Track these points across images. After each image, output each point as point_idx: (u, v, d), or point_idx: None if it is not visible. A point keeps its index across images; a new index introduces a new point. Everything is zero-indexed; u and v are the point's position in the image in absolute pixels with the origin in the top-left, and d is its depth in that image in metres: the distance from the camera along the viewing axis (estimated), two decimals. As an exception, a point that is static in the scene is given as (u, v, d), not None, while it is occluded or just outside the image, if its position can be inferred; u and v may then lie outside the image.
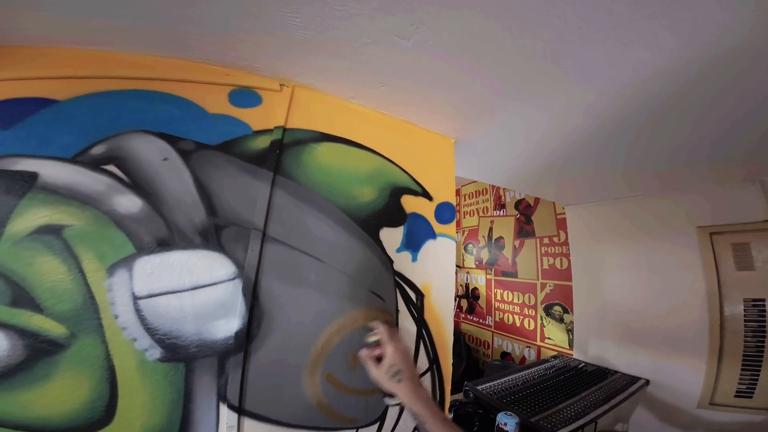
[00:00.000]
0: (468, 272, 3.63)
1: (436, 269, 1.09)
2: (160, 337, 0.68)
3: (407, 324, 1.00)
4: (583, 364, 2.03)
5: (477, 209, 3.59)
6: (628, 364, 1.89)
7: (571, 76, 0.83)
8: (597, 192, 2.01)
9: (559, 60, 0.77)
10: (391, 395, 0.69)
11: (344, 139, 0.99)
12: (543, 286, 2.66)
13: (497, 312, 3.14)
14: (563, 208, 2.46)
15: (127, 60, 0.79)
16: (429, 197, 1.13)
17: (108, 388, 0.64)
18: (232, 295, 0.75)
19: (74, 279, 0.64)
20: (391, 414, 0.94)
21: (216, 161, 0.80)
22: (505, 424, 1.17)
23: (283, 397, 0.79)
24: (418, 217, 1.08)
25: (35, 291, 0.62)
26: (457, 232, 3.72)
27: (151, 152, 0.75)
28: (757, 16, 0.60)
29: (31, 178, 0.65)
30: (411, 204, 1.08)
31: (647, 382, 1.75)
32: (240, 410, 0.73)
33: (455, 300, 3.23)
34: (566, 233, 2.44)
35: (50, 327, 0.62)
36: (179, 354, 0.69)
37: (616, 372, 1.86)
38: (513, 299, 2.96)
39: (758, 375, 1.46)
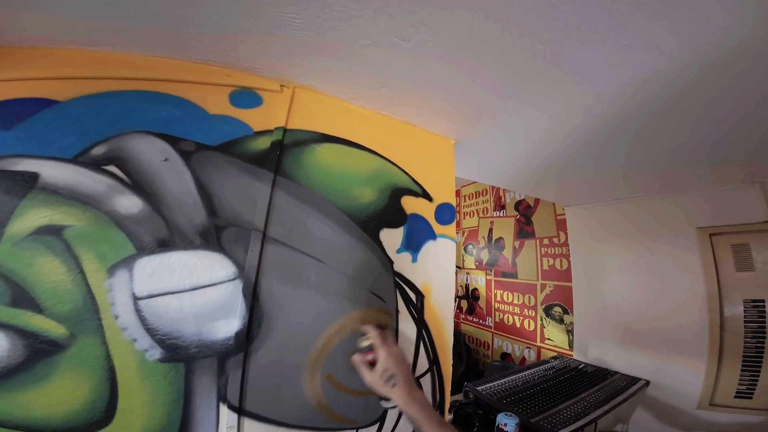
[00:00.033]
0: (468, 273, 3.63)
1: (436, 270, 1.09)
2: (161, 338, 0.68)
3: (407, 325, 1.00)
4: (583, 364, 2.03)
5: (477, 210, 3.59)
6: (628, 365, 1.89)
7: (571, 77, 0.83)
8: (597, 193, 2.02)
9: (559, 61, 0.77)
10: (387, 398, 0.69)
11: (344, 140, 0.99)
12: (543, 286, 2.66)
13: (497, 313, 3.14)
14: (563, 209, 2.46)
15: (128, 60, 0.79)
16: (429, 198, 1.13)
17: (108, 388, 0.64)
18: (233, 295, 0.75)
19: (74, 279, 0.64)
20: (391, 415, 0.94)
21: (216, 162, 0.80)
22: (505, 425, 1.17)
23: (283, 398, 0.79)
24: (418, 218, 1.09)
25: (35, 291, 0.62)
26: (457, 233, 3.72)
27: (151, 153, 0.75)
28: (757, 17, 0.61)
29: (32, 178, 0.65)
30: (411, 205, 1.08)
31: (647, 383, 1.75)
32: (240, 410, 0.73)
33: (455, 301, 3.23)
34: (566, 234, 2.44)
35: (50, 327, 0.62)
36: (179, 354, 0.69)
37: (616, 373, 1.86)
38: (513, 300, 2.96)
39: (758, 376, 1.46)
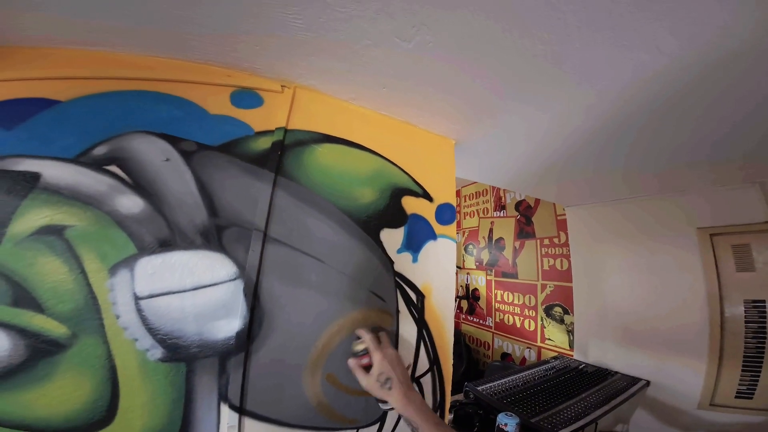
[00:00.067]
0: (468, 273, 3.63)
1: (436, 270, 1.09)
2: (162, 337, 0.68)
3: (408, 325, 1.00)
4: (584, 365, 2.03)
5: (477, 210, 3.59)
6: (628, 365, 1.89)
7: (571, 77, 0.83)
8: (597, 193, 2.02)
9: (560, 61, 0.77)
10: (385, 401, 0.69)
11: (345, 140, 0.99)
12: (543, 287, 2.66)
13: (497, 313, 3.14)
14: (564, 209, 2.46)
15: (129, 61, 0.79)
16: (429, 198, 1.13)
17: (109, 388, 0.64)
18: (233, 295, 0.75)
19: (76, 279, 0.64)
20: (392, 415, 0.94)
21: (217, 162, 0.80)
22: (506, 425, 1.17)
23: (283, 398, 0.79)
24: (418, 218, 1.09)
25: (37, 291, 0.62)
26: (457, 233, 3.73)
27: (152, 153, 0.75)
28: (758, 18, 0.61)
29: (34, 178, 0.65)
30: (411, 205, 1.08)
31: (648, 383, 1.75)
32: (241, 410, 0.73)
33: (455, 301, 3.23)
34: (567, 234, 2.45)
35: (52, 327, 0.62)
36: (180, 354, 0.69)
37: (616, 373, 1.86)
38: (513, 300, 2.96)
39: (758, 376, 1.46)
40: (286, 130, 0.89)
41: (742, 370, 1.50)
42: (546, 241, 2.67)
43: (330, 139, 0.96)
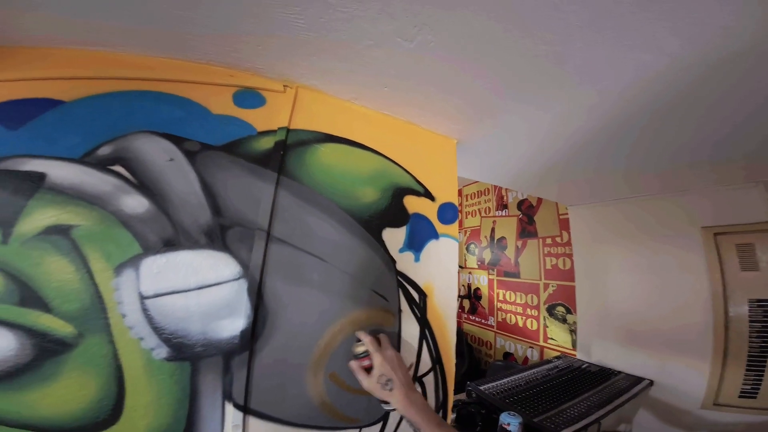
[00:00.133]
0: (470, 272, 3.63)
1: (438, 269, 1.10)
2: (167, 337, 0.68)
3: (410, 324, 1.01)
4: (587, 364, 2.03)
5: (479, 209, 3.59)
6: (631, 364, 1.88)
7: (573, 78, 0.83)
8: (597, 192, 2.01)
9: (562, 61, 0.77)
10: (387, 402, 0.69)
11: (347, 139, 0.99)
12: (546, 286, 2.66)
13: (499, 312, 3.13)
14: (566, 209, 2.46)
15: (130, 61, 0.80)
16: (431, 198, 1.13)
17: (115, 387, 0.64)
18: (237, 294, 0.76)
19: (82, 279, 0.65)
20: (394, 414, 0.94)
21: (221, 162, 0.81)
22: (508, 424, 1.17)
23: (287, 397, 0.79)
24: (420, 218, 1.09)
25: (43, 291, 0.62)
26: (459, 233, 3.73)
27: (156, 153, 0.75)
28: (759, 19, 0.61)
29: (39, 178, 0.65)
30: (413, 204, 1.08)
31: (651, 383, 1.74)
32: (245, 409, 0.74)
33: (457, 300, 3.22)
34: (569, 234, 2.44)
35: (58, 326, 0.62)
36: (185, 353, 0.70)
37: (619, 373, 1.86)
38: (515, 299, 2.96)
39: (762, 375, 1.45)
40: (288, 130, 0.89)
41: (746, 370, 1.49)
42: (548, 241, 2.67)
43: (332, 139, 0.97)
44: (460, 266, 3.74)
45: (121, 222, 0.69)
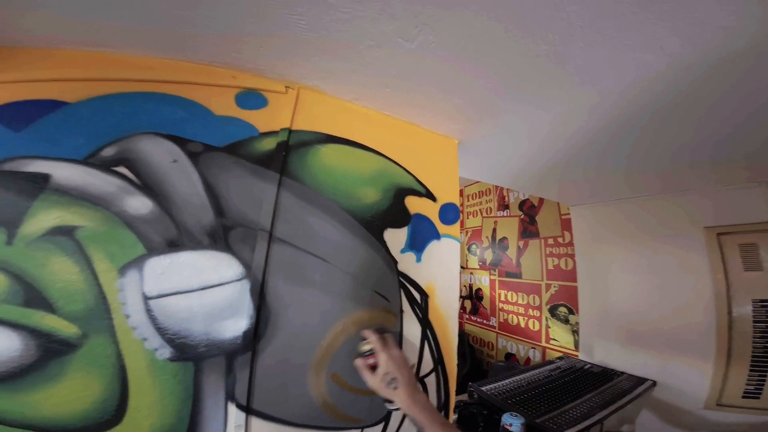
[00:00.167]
0: (472, 273, 3.63)
1: (440, 270, 1.10)
2: (170, 337, 0.69)
3: (412, 324, 1.01)
4: (589, 365, 2.02)
5: (480, 210, 3.59)
6: (634, 365, 1.88)
7: (574, 78, 0.83)
8: (597, 192, 2.01)
9: (563, 61, 0.77)
10: (391, 401, 0.70)
11: (348, 140, 1.00)
12: (548, 286, 2.65)
13: (501, 313, 3.13)
14: (568, 209, 2.46)
15: (133, 62, 0.80)
16: (433, 198, 1.13)
17: (118, 387, 0.65)
18: (240, 295, 0.76)
19: (86, 279, 0.65)
20: (396, 414, 0.94)
21: (223, 163, 0.81)
22: (511, 425, 1.17)
23: (289, 397, 0.80)
24: (422, 218, 1.09)
25: (48, 291, 0.63)
26: (460, 233, 3.72)
27: (160, 154, 0.76)
28: (760, 19, 0.60)
29: (44, 179, 0.66)
30: (415, 205, 1.08)
31: (654, 384, 1.74)
32: (248, 409, 0.74)
33: (459, 301, 3.22)
34: (571, 234, 2.43)
35: (62, 327, 0.63)
36: (188, 353, 0.70)
37: (622, 373, 1.85)
38: (517, 300, 2.95)
39: (766, 375, 1.45)
40: (290, 131, 0.89)
41: (750, 370, 1.49)
42: (550, 241, 2.67)
43: (334, 140, 0.97)
44: (462, 267, 3.74)
45: (125, 223, 0.70)
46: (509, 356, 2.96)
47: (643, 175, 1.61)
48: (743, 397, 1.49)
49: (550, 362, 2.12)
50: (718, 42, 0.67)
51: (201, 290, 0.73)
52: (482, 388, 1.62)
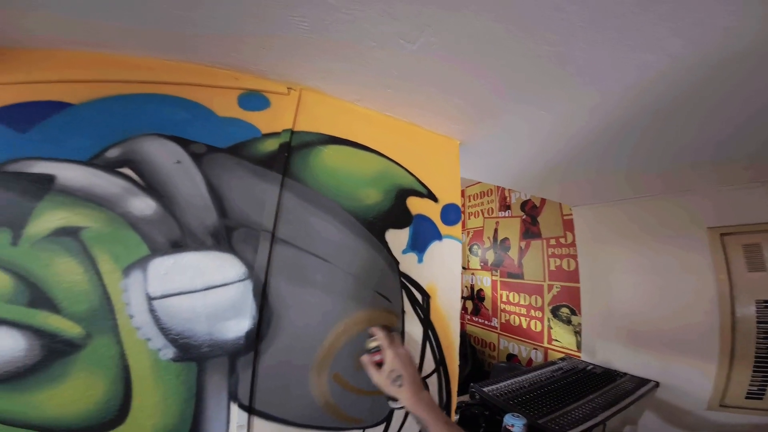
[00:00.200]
0: (473, 273, 3.62)
1: (441, 270, 1.10)
2: (173, 337, 0.69)
3: (413, 325, 1.01)
4: (592, 366, 2.02)
5: (482, 210, 3.58)
6: (637, 366, 1.87)
7: (575, 78, 0.83)
8: (599, 193, 2.01)
9: (565, 62, 0.77)
10: (395, 399, 0.70)
11: (350, 141, 1.00)
12: (550, 287, 2.64)
13: (503, 314, 3.12)
14: (570, 209, 2.45)
15: (134, 63, 0.80)
16: (434, 199, 1.13)
17: (122, 387, 0.65)
18: (243, 295, 0.76)
19: (90, 280, 0.66)
20: (398, 415, 0.94)
21: (226, 164, 0.81)
22: (513, 426, 1.16)
23: (291, 397, 0.80)
24: (423, 219, 1.09)
25: (52, 292, 0.63)
26: (462, 234, 3.71)
27: (164, 155, 0.76)
28: (761, 19, 0.60)
29: (49, 180, 0.67)
30: (417, 205, 1.08)
31: (657, 385, 1.73)
32: (250, 410, 0.74)
33: (461, 301, 3.21)
34: (573, 234, 2.43)
35: (67, 327, 0.63)
36: (191, 354, 0.71)
37: (625, 374, 1.84)
38: (519, 301, 2.94)
39: (770, 376, 1.44)
40: (292, 132, 0.90)
41: (753, 371, 1.48)
42: (552, 242, 2.66)
43: (335, 141, 0.97)
44: (463, 267, 3.74)
45: (130, 224, 0.70)
46: (511, 357, 2.95)
47: (645, 176, 1.60)
48: (746, 397, 1.48)
49: (552, 363, 2.11)
50: (720, 42, 0.67)
51: (204, 291, 0.73)
52: (484, 389, 1.61)
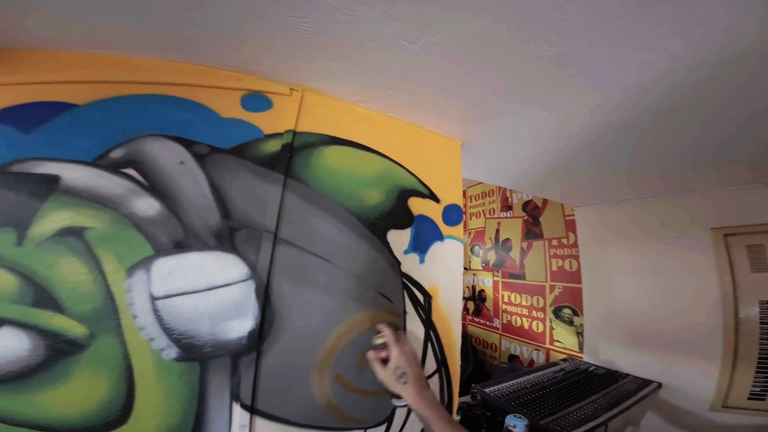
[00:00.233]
0: (475, 274, 3.62)
1: (443, 271, 1.10)
2: (177, 337, 0.69)
3: (415, 325, 1.01)
4: (594, 367, 2.01)
5: (483, 211, 3.58)
6: (639, 367, 1.87)
7: (576, 79, 0.84)
8: (600, 194, 2.01)
9: (566, 62, 0.77)
10: (398, 396, 0.70)
11: (352, 142, 1.00)
12: (552, 288, 2.64)
13: (504, 314, 3.12)
14: (572, 210, 2.45)
15: (136, 64, 0.81)
16: (436, 199, 1.13)
17: (125, 387, 0.65)
18: (245, 296, 0.77)
19: (95, 280, 0.66)
20: (399, 415, 0.94)
21: (229, 164, 0.82)
22: (514, 427, 1.16)
23: (293, 397, 0.80)
24: (425, 219, 1.09)
25: (57, 292, 0.64)
26: (463, 234, 3.71)
27: (167, 156, 0.77)
28: (762, 19, 0.60)
29: (53, 180, 0.67)
30: (418, 206, 1.09)
31: (659, 386, 1.72)
32: (252, 410, 0.74)
33: (462, 302, 3.21)
34: (575, 235, 2.43)
35: (70, 327, 0.63)
36: (194, 354, 0.71)
37: (627, 375, 1.84)
38: (521, 301, 2.94)
39: (773, 377, 1.43)
40: (294, 133, 0.90)
41: (756, 372, 1.47)
42: (554, 242, 2.65)
43: (337, 141, 0.98)
44: (465, 268, 3.73)
45: (134, 224, 0.71)
46: (512, 358, 2.95)
47: (646, 176, 1.60)
48: (749, 398, 1.47)
49: (554, 364, 2.11)
50: (721, 43, 0.67)
51: (207, 291, 0.73)
52: (485, 390, 1.61)
